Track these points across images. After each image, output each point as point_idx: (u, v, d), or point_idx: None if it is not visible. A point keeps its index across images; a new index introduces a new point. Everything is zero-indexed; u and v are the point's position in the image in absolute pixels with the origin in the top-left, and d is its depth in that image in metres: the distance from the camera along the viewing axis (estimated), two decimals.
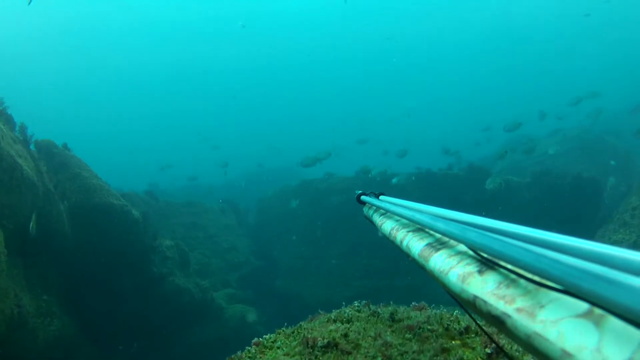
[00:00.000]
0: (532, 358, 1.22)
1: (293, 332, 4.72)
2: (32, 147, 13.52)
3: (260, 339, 4.90)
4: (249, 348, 4.87)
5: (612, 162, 26.16)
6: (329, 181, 24.01)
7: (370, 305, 5.35)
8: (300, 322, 5.18)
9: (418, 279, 18.29)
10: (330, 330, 4.38)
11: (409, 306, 5.33)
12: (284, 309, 21.16)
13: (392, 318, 4.82)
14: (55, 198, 13.10)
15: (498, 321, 1.09)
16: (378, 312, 4.92)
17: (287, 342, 4.62)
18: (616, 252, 0.89)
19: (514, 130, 20.75)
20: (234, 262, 23.26)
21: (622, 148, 29.69)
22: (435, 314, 4.88)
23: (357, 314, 4.96)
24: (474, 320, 2.01)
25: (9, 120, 12.95)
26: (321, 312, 5.46)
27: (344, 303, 5.61)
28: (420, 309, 5.15)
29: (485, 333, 1.98)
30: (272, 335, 4.90)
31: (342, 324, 4.64)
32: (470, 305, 1.30)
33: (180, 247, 18.06)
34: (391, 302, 5.43)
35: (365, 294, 18.95)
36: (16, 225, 11.09)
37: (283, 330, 4.87)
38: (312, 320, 5.16)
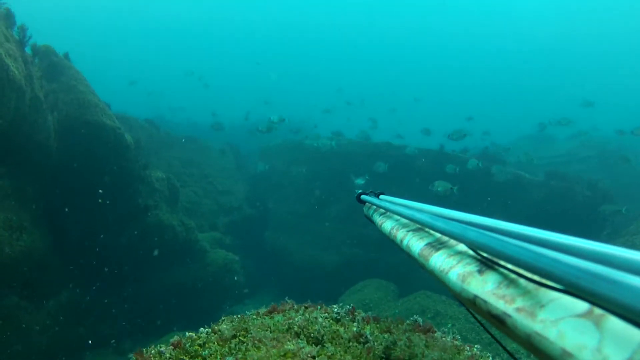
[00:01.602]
0: (533, 358, 1.01)
1: (233, 338, 3.28)
2: (28, 50, 12.69)
3: (183, 338, 3.43)
4: (163, 348, 3.38)
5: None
6: (334, 141, 23.19)
7: (356, 314, 4.14)
8: (251, 317, 4.04)
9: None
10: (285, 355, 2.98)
11: (410, 320, 4.24)
12: (270, 262, 20.80)
13: (388, 357, 3.27)
14: (44, 107, 12.29)
15: (498, 321, 1.11)
16: (366, 337, 3.39)
17: (218, 352, 3.11)
18: (616, 252, 0.91)
19: (459, 139, 20.03)
20: (226, 206, 22.68)
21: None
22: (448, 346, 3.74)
23: (335, 328, 3.54)
24: (478, 321, 1.77)
25: (6, 19, 12.07)
26: (288, 301, 4.38)
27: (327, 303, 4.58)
28: (426, 332, 4.01)
29: (492, 336, 1.89)
30: (202, 335, 3.50)
31: (308, 345, 3.18)
32: (470, 305, 1.30)
33: (171, 182, 17.34)
34: (388, 318, 4.21)
35: (355, 263, 18.71)
36: None
37: (219, 331, 3.42)
38: (270, 314, 4.11)
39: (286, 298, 4.33)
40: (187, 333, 3.33)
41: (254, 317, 3.81)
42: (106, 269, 14.01)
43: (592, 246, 0.98)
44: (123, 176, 14.55)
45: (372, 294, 15.73)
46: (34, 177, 12.19)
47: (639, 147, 30.21)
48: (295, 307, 3.98)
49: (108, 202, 14.07)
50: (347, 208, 20.21)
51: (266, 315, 3.79)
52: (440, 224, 1.52)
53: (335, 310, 3.87)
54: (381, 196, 3.22)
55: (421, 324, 4.02)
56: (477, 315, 1.50)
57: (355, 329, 3.52)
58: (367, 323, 3.71)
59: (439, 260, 1.57)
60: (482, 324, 1.91)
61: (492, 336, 1.89)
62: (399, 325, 3.86)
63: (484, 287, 1.22)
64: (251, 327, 3.27)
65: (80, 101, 13.34)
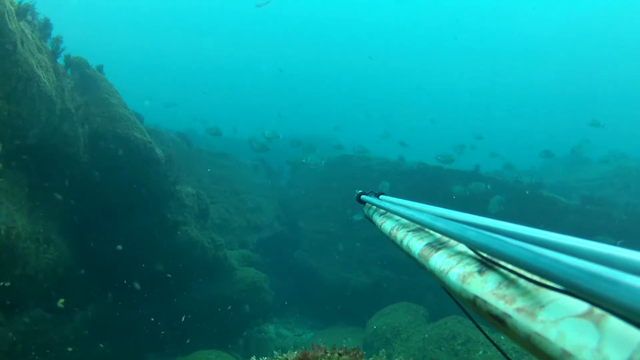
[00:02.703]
0: (533, 358, 1.01)
1: None
2: (61, 61, 12.69)
3: None
4: None
5: None
6: (369, 160, 22.95)
7: None
8: None
9: None
10: None
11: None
12: (299, 281, 20.65)
13: None
14: (74, 120, 12.23)
15: (498, 321, 1.11)
16: None
17: None
18: (616, 252, 0.90)
19: (447, 162, 19.78)
20: (257, 223, 22.57)
21: None
22: None
23: None
24: (475, 322, 1.93)
25: (42, 29, 12.09)
26: (321, 345, 3.96)
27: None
28: None
29: (487, 337, 1.93)
30: None
31: None
32: (470, 305, 1.31)
33: (201, 198, 17.25)
34: None
35: (384, 285, 18.42)
36: (24, 140, 10.29)
37: None
38: None
39: (319, 341, 3.97)
40: None
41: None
42: (133, 284, 13.91)
43: (592, 246, 0.98)
44: (152, 191, 14.48)
45: (402, 318, 15.40)
46: (62, 189, 12.14)
47: None
48: (329, 354, 3.66)
49: (136, 216, 14.00)
50: (377, 229, 19.91)
51: None
52: (440, 224, 1.53)
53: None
54: (381, 196, 3.24)
55: None
56: (470, 314, 1.55)
57: None
58: None
59: (439, 261, 1.59)
60: (482, 330, 2.04)
61: (487, 337, 1.94)
62: None
63: (484, 287, 1.24)
64: None
65: (111, 114, 13.32)
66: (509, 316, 1.05)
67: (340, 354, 3.62)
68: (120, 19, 79.44)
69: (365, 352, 3.85)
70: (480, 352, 13.04)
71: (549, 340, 0.88)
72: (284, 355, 3.63)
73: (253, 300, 17.36)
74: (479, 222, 1.51)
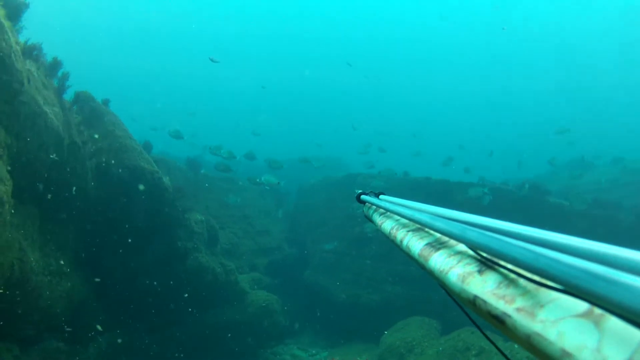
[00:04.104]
0: (532, 358, 0.65)
1: None
2: (67, 97, 12.94)
3: None
4: None
5: None
6: (374, 178, 23.04)
7: None
8: None
9: None
10: None
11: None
12: (309, 302, 20.64)
13: None
14: (82, 153, 12.46)
15: (498, 321, 1.11)
16: None
17: None
18: (616, 252, 0.89)
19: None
20: (266, 246, 22.67)
21: None
22: None
23: None
24: (473, 321, 1.89)
25: (52, 67, 12.37)
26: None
27: None
28: None
29: (486, 336, 1.92)
30: None
31: None
32: (470, 305, 1.30)
33: (210, 224, 17.41)
34: None
35: (396, 301, 18.47)
36: (34, 176, 10.49)
37: None
38: None
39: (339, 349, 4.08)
40: None
41: None
42: (146, 314, 14.02)
43: (592, 246, 0.98)
44: (162, 220, 14.64)
45: (415, 332, 15.43)
46: (73, 221, 12.32)
47: None
48: None
49: (147, 245, 14.14)
50: (386, 245, 19.98)
51: None
52: (439, 224, 1.52)
53: None
54: (381, 196, 3.22)
55: None
56: (468, 312, 1.57)
57: None
58: None
59: (439, 261, 1.58)
60: (481, 330, 1.98)
61: (487, 337, 1.91)
62: None
63: (484, 287, 1.24)
64: None
65: (118, 146, 13.53)
66: (509, 316, 1.06)
67: None
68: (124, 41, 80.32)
69: None
70: None
71: (549, 340, 0.89)
72: None
73: (266, 323, 17.40)
74: (479, 222, 1.52)
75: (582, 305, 0.88)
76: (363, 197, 3.39)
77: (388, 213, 2.68)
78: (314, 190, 26.50)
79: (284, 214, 26.65)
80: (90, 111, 13.86)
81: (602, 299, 0.71)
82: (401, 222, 2.32)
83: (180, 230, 15.41)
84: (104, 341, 12.98)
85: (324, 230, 23.07)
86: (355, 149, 35.15)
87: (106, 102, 14.75)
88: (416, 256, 1.82)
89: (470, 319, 1.88)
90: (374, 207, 3.06)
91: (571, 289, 0.81)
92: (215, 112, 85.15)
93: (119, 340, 13.36)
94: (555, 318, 0.91)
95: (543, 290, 1.02)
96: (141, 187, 13.68)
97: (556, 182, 29.93)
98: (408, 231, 2.09)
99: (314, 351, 18.64)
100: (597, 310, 0.84)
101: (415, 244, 1.89)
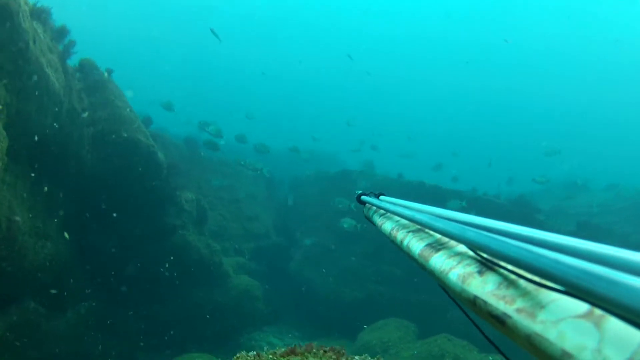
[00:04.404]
0: (533, 358, 0.99)
1: None
2: (72, 63, 12.93)
3: None
4: None
5: None
6: (369, 177, 23.09)
7: None
8: (267, 356, 3.82)
9: (436, 297, 17.49)
10: None
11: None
12: (292, 292, 20.68)
13: None
14: (80, 120, 12.48)
15: (498, 321, 1.11)
16: None
17: None
18: (616, 252, 0.90)
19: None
20: (253, 232, 22.65)
21: None
22: None
23: None
24: (474, 323, 1.86)
25: (58, 33, 12.35)
26: (314, 343, 4.05)
27: None
28: None
29: (487, 337, 1.85)
30: None
31: None
32: (470, 306, 1.31)
33: (200, 204, 17.40)
34: None
35: (377, 300, 18.53)
36: (31, 137, 10.49)
37: None
38: (287, 355, 3.88)
39: (314, 342, 4.08)
40: None
41: (270, 356, 3.67)
42: (127, 285, 14.04)
43: (592, 247, 0.98)
44: (153, 194, 14.65)
45: (392, 333, 15.48)
46: (65, 187, 12.32)
47: None
48: (315, 350, 3.80)
49: (135, 218, 14.14)
50: (374, 244, 20.04)
51: (283, 357, 3.62)
52: (440, 224, 1.53)
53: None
54: (381, 197, 3.21)
55: None
56: (468, 312, 1.58)
57: None
58: None
59: (439, 261, 1.58)
60: (481, 331, 1.92)
61: (487, 338, 1.87)
62: None
63: (484, 287, 1.24)
64: None
65: (116, 116, 13.53)
66: (509, 317, 1.06)
67: (325, 351, 3.78)
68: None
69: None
70: None
71: (549, 341, 0.89)
72: (273, 350, 3.79)
73: (245, 308, 17.42)
74: (479, 222, 1.52)
75: (583, 306, 0.88)
76: (363, 197, 3.40)
77: (388, 214, 2.68)
78: (307, 183, 26.60)
79: (275, 203, 26.67)
80: (92, 79, 13.84)
81: (602, 300, 0.72)
82: (401, 223, 2.34)
83: (170, 206, 15.41)
84: (84, 308, 12.99)
85: (314, 224, 23.14)
86: (349, 146, 35.10)
87: (109, 72, 14.70)
88: (416, 257, 1.83)
89: (470, 319, 1.90)
90: (374, 207, 3.06)
91: (571, 290, 0.82)
92: (214, 92, 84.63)
93: (99, 309, 13.39)
94: (556, 319, 0.92)
95: (543, 291, 1.03)
96: (136, 159, 13.69)
97: (547, 201, 30.04)
98: (408, 232, 2.11)
99: (290, 341, 18.64)
100: (598, 311, 0.84)
101: (415, 244, 1.90)
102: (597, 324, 0.82)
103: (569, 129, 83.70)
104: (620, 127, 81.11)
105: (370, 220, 3.16)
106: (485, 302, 1.18)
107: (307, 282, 20.89)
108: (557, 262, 0.86)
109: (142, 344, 14.38)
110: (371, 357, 14.88)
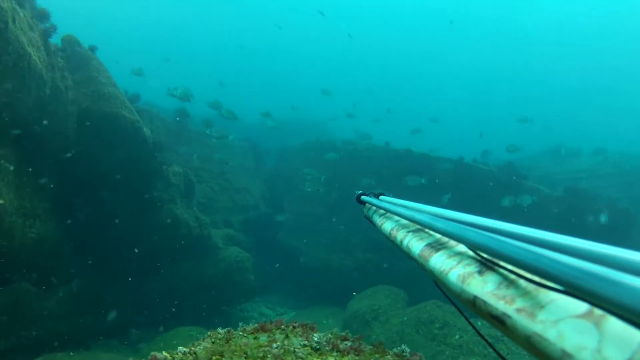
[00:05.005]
0: (533, 358, 0.99)
1: None
2: (55, 40, 12.80)
3: (161, 356, 3.11)
4: None
5: None
6: (355, 145, 23.09)
7: (339, 344, 3.56)
8: (237, 334, 3.78)
9: None
10: None
11: (397, 350, 3.84)
12: (282, 262, 20.81)
13: None
14: (64, 98, 12.36)
15: (498, 321, 1.12)
16: None
17: None
18: (616, 252, 0.91)
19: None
20: (242, 204, 22.70)
21: None
22: None
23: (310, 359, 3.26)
24: (471, 324, 1.95)
25: (42, 15, 12.22)
26: (283, 319, 4.07)
27: None
28: None
29: (484, 339, 1.93)
30: (178, 356, 3.13)
31: None
32: (470, 306, 1.30)
33: (187, 176, 17.34)
34: (377, 346, 3.81)
35: (367, 268, 18.66)
36: (13, 117, 10.42)
37: (195, 353, 3.09)
38: (256, 332, 3.84)
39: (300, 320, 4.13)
40: (163, 352, 3.21)
41: (240, 333, 3.69)
42: (118, 260, 14.10)
43: (592, 247, 0.99)
44: (139, 169, 14.61)
45: (382, 301, 15.67)
46: (51, 166, 12.28)
47: None
48: (283, 326, 3.85)
49: (122, 194, 14.15)
50: (362, 212, 20.11)
51: (252, 334, 3.67)
52: (440, 224, 1.53)
53: (316, 339, 3.62)
54: (381, 197, 3.22)
55: (409, 356, 3.72)
56: (460, 309, 1.66)
57: None
58: (347, 354, 3.48)
59: (439, 261, 1.58)
60: (478, 331, 2.01)
61: (483, 338, 1.94)
62: (382, 358, 3.51)
63: (484, 287, 1.24)
64: (226, 352, 3.16)
65: (100, 93, 13.40)
66: (509, 317, 1.06)
67: (294, 327, 3.84)
68: None
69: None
70: (457, 336, 13.35)
71: (549, 341, 0.89)
72: (244, 326, 3.84)
73: (236, 279, 17.55)
74: (479, 222, 1.54)
75: (582, 306, 0.89)
76: (363, 197, 3.46)
77: (388, 214, 2.69)
78: (294, 153, 26.56)
79: (263, 174, 26.70)
80: (75, 56, 13.66)
81: (602, 300, 0.73)
82: (401, 223, 2.35)
83: (157, 180, 15.35)
84: (75, 285, 13.05)
85: (302, 194, 23.13)
86: (329, 114, 34.92)
87: (93, 49, 14.51)
88: (416, 257, 1.84)
89: (466, 318, 1.97)
90: (374, 207, 3.08)
91: (571, 290, 0.83)
92: (194, 62, 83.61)
93: (90, 286, 13.46)
94: (556, 319, 0.92)
95: (543, 291, 1.03)
96: (121, 134, 13.65)
97: (536, 168, 30.23)
98: (408, 232, 2.12)
99: (281, 310, 18.90)
100: (597, 311, 0.85)
101: (415, 244, 1.92)
102: (597, 324, 0.83)
103: (557, 97, 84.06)
104: (609, 95, 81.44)
105: (370, 220, 3.20)
106: (485, 302, 1.19)
107: (296, 251, 21.04)
108: (556, 261, 0.87)
109: (135, 318, 14.52)
110: (362, 324, 15.07)
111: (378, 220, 2.84)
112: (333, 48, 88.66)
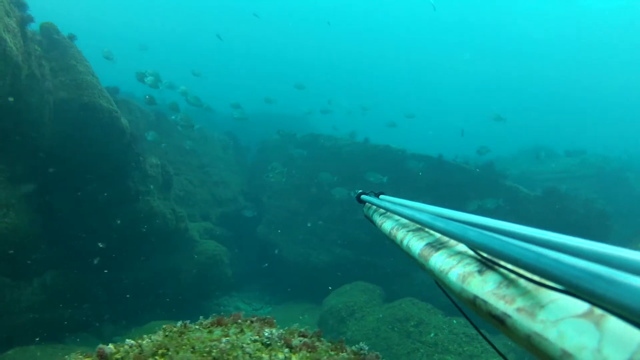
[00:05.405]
0: (533, 358, 1.00)
1: (152, 356, 2.89)
2: (33, 27, 12.58)
3: (107, 349, 3.13)
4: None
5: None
6: (336, 141, 23.02)
7: (293, 340, 3.42)
8: (193, 327, 3.67)
9: (401, 262, 17.71)
10: None
11: (355, 348, 3.72)
12: (260, 256, 20.77)
13: None
14: (40, 86, 12.15)
15: (498, 321, 1.12)
16: None
17: None
18: (616, 252, 0.90)
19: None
20: (221, 197, 22.59)
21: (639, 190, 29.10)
22: None
23: (259, 355, 3.13)
24: (471, 322, 1.94)
25: (19, 5, 12.01)
26: (242, 313, 3.99)
27: None
28: None
29: (483, 336, 1.90)
30: (123, 348, 3.01)
31: None
32: (470, 305, 1.30)
33: (165, 168, 17.18)
34: (333, 343, 3.65)
35: (344, 264, 18.68)
36: None
37: (140, 346, 3.01)
38: (212, 325, 3.71)
39: (276, 316, 4.03)
40: (109, 345, 3.10)
41: (196, 327, 3.62)
42: (93, 253, 13.93)
43: (592, 246, 0.98)
44: (116, 160, 14.43)
45: (358, 297, 15.68)
46: (26, 156, 12.09)
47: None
48: (240, 321, 3.77)
49: (98, 185, 13.97)
50: (340, 208, 20.13)
51: (207, 327, 3.59)
52: (440, 224, 1.53)
53: (266, 334, 3.51)
54: (381, 196, 3.21)
55: (367, 354, 3.70)
56: (458, 306, 1.67)
57: (281, 357, 3.30)
58: (299, 350, 3.38)
59: (439, 261, 1.59)
60: (478, 329, 1.98)
61: (489, 341, 1.88)
62: (337, 355, 3.41)
63: (484, 287, 1.24)
64: (172, 346, 3.07)
65: (78, 82, 13.19)
66: (509, 316, 1.06)
67: (252, 322, 3.77)
68: None
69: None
70: (432, 334, 13.42)
71: (549, 341, 0.89)
72: (200, 321, 3.76)
73: (212, 273, 17.46)
74: (479, 222, 1.53)
75: (583, 306, 0.89)
76: (363, 197, 3.42)
77: (388, 213, 2.69)
78: (274, 147, 26.45)
79: (242, 168, 26.60)
80: (53, 43, 13.45)
81: (602, 299, 0.73)
82: (401, 222, 2.34)
83: (134, 171, 15.17)
84: (49, 277, 12.89)
85: (281, 189, 23.09)
86: (308, 109, 34.88)
87: (72, 37, 14.31)
88: (416, 256, 1.84)
89: (467, 317, 1.96)
90: (374, 207, 3.07)
91: (571, 289, 0.82)
92: (171, 53, 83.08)
93: (65, 278, 13.29)
94: (556, 318, 0.92)
95: (543, 290, 1.03)
96: (98, 124, 13.47)
97: (515, 167, 30.58)
98: (408, 231, 2.11)
99: (258, 305, 18.84)
100: (598, 311, 0.85)
101: (415, 244, 1.91)
102: (597, 324, 0.83)
103: (539, 100, 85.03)
104: (588, 100, 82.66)
105: (370, 219, 3.17)
106: (485, 302, 1.19)
107: (274, 246, 21.00)
108: (557, 261, 0.87)
109: (109, 311, 14.37)
110: (337, 321, 15.04)
111: (378, 219, 2.83)
112: (311, 45, 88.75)
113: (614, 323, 0.80)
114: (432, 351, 12.96)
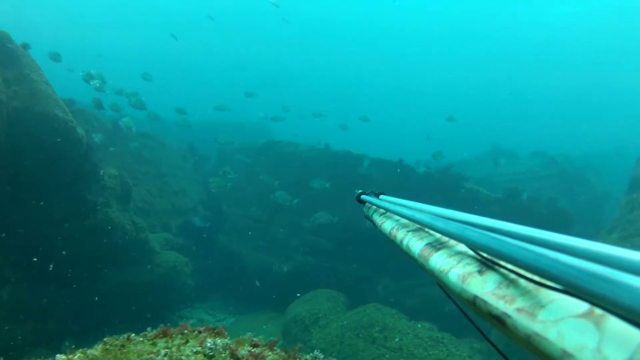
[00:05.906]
0: (533, 358, 1.01)
1: None
2: None
3: None
4: None
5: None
6: (295, 147, 22.98)
7: (238, 350, 3.18)
8: (137, 339, 3.54)
9: (366, 267, 17.73)
10: None
11: (309, 356, 3.62)
12: (221, 266, 20.60)
13: None
14: None
15: (498, 321, 1.11)
16: None
17: None
18: (616, 252, 0.89)
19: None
20: (181, 207, 22.36)
21: (599, 189, 29.71)
22: None
23: None
24: (472, 322, 1.90)
25: None
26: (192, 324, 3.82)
27: None
28: None
29: (484, 335, 1.88)
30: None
31: None
32: (470, 305, 1.30)
33: (123, 179, 16.85)
34: (285, 352, 3.52)
35: (307, 271, 18.63)
36: None
37: None
38: (156, 337, 3.62)
39: (240, 326, 3.91)
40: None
41: (140, 339, 3.49)
42: (50, 267, 13.60)
43: (592, 246, 0.97)
44: (72, 171, 14.11)
45: (322, 305, 15.63)
46: None
47: (602, 168, 31.33)
48: (186, 331, 3.63)
49: (55, 197, 13.66)
50: (301, 215, 20.08)
51: (151, 339, 3.46)
52: (440, 224, 1.54)
53: (209, 345, 3.39)
54: (381, 196, 3.21)
55: None
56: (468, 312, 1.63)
57: None
58: None
59: (439, 261, 1.58)
60: (478, 328, 1.93)
61: (491, 342, 1.87)
62: None
63: (484, 287, 1.24)
64: (107, 359, 2.95)
65: (32, 91, 12.88)
66: (509, 316, 1.06)
67: (200, 332, 3.66)
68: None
69: (280, 339, 3.87)
70: (397, 339, 13.43)
71: (549, 340, 0.89)
72: (144, 332, 3.64)
73: (174, 285, 17.24)
74: (479, 222, 1.53)
75: (583, 306, 0.89)
76: (363, 197, 3.42)
77: (388, 213, 2.70)
78: (233, 154, 26.31)
79: (202, 177, 26.35)
80: (5, 52, 13.14)
81: (602, 299, 0.73)
82: (401, 222, 2.35)
83: (91, 183, 14.87)
84: (5, 293, 12.55)
85: (240, 195, 22.95)
86: (254, 115, 34.84)
87: (25, 46, 14.00)
88: (416, 256, 1.83)
89: (468, 318, 1.92)
90: (374, 207, 3.07)
91: (571, 289, 0.82)
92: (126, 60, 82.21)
93: (22, 294, 12.96)
94: (556, 318, 0.92)
95: (543, 290, 1.03)
96: (53, 134, 13.16)
97: (477, 170, 30.95)
98: (408, 231, 2.12)
99: (221, 316, 18.65)
100: (598, 311, 0.85)
101: (415, 244, 1.92)
102: (597, 324, 0.83)
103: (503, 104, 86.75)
104: (553, 102, 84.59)
105: (370, 220, 3.17)
106: (485, 302, 1.19)
107: (235, 255, 20.88)
108: (557, 261, 0.87)
109: (69, 326, 14.06)
110: (301, 329, 14.94)
111: (378, 219, 2.83)
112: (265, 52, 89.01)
113: (614, 323, 0.80)
114: (398, 356, 12.97)
